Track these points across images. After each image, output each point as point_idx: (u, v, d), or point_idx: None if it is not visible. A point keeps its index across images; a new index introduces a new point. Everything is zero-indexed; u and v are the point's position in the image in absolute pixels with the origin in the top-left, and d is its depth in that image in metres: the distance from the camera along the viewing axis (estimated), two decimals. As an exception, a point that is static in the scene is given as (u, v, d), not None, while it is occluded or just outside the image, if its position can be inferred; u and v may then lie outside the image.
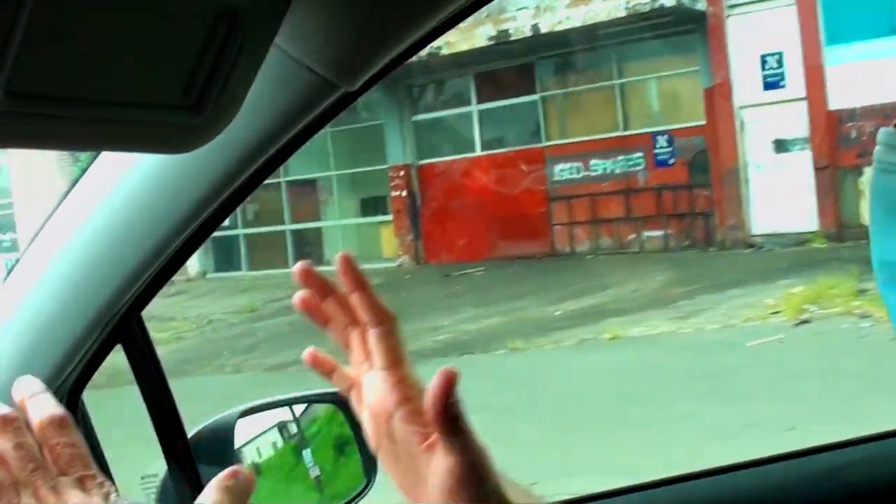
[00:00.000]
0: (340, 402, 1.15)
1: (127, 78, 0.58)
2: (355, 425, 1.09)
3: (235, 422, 1.12)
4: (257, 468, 1.17)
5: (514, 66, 15.78)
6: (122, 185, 0.97)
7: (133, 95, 0.58)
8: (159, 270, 1.00)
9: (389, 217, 16.95)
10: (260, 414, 1.18)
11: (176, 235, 0.97)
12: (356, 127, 16.81)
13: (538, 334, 9.54)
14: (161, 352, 1.10)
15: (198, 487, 0.96)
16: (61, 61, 0.54)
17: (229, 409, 1.14)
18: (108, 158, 0.99)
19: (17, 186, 20.76)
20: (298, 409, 1.23)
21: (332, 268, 0.80)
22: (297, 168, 17.68)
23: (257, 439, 1.18)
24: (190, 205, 0.95)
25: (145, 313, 1.06)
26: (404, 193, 16.56)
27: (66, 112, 0.56)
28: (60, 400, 0.99)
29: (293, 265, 0.78)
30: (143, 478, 1.14)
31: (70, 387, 1.05)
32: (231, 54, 0.60)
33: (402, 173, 16.57)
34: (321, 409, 1.23)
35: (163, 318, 14.88)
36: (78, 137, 0.61)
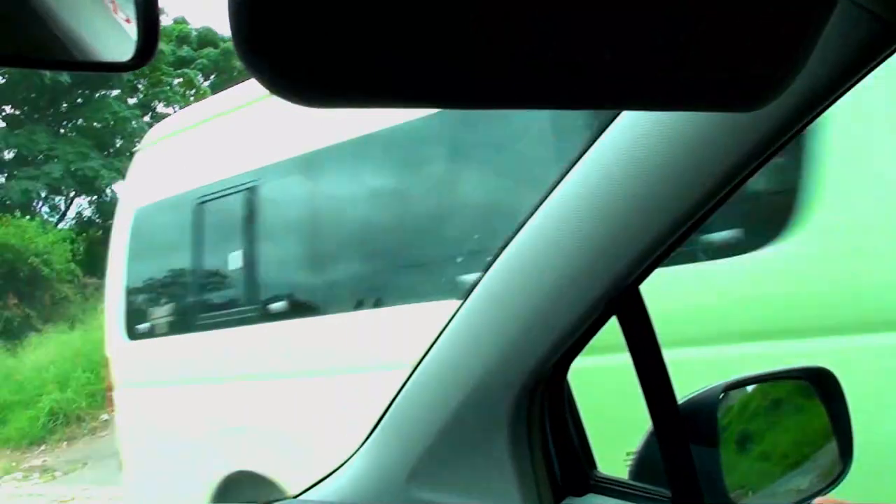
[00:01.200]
0: (817, 379, 1.17)
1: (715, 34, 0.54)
2: (834, 405, 1.14)
3: (719, 396, 1.09)
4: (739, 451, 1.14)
5: None
6: (641, 151, 0.96)
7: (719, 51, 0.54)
8: (672, 242, 0.99)
9: None
10: (744, 389, 1.16)
11: (702, 203, 0.94)
12: None
13: None
14: None
15: (688, 464, 1.01)
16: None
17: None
18: (619, 128, 0.98)
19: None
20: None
21: None
22: None
23: (738, 415, 1.15)
24: (721, 171, 0.93)
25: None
26: None
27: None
28: (547, 371, 1.05)
29: None
30: (628, 454, 1.12)
31: (559, 357, 1.06)
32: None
33: None
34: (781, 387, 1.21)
35: None
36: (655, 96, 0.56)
